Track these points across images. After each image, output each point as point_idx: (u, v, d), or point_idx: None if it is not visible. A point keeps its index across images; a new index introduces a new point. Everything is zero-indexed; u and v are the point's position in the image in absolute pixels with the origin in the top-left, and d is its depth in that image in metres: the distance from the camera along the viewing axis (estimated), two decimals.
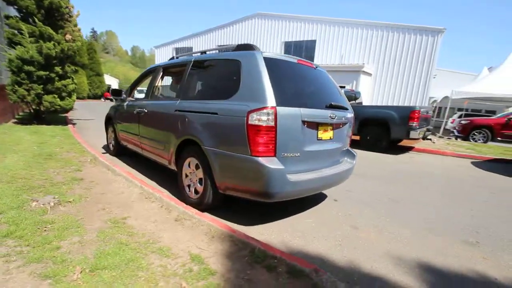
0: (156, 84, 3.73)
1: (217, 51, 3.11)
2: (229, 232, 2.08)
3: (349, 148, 3.18)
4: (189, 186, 2.86)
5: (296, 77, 2.60)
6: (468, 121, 10.41)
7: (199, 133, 2.58)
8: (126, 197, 2.85)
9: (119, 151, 4.79)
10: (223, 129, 2.38)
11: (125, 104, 4.24)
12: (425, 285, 1.82)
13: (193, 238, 2.08)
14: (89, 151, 4.72)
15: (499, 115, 11.48)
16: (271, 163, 2.16)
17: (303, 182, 2.32)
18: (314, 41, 17.43)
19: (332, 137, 2.74)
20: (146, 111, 3.54)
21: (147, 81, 4.35)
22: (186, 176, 2.89)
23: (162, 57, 24.60)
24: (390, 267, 2.00)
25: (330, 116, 2.62)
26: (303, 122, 2.37)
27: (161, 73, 3.71)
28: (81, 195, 2.81)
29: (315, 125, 2.52)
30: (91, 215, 2.39)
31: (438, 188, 4.21)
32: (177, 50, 23.86)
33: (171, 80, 4.26)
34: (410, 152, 7.52)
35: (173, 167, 3.14)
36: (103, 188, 3.08)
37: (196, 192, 2.76)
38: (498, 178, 5.02)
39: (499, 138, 9.82)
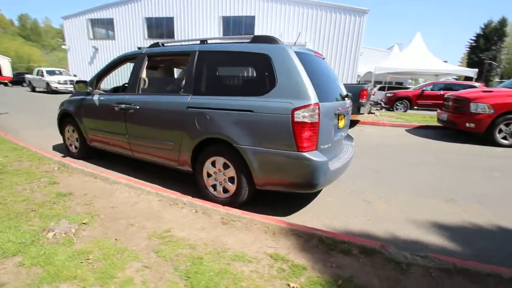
0: (142, 76, 3.29)
1: (221, 41, 2.92)
2: (288, 226, 2.18)
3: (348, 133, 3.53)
4: (214, 186, 2.77)
5: (317, 70, 2.70)
6: (392, 94, 12.30)
7: (229, 132, 2.48)
8: (146, 207, 2.59)
9: (87, 153, 4.13)
10: (262, 127, 2.36)
11: (95, 98, 3.62)
12: (445, 240, 2.33)
13: (256, 238, 2.11)
14: (47, 156, 3.93)
15: (414, 87, 13.89)
16: (316, 156, 2.29)
17: (336, 169, 2.54)
18: (253, 17, 17.21)
19: (344, 125, 3.00)
20: (137, 107, 3.12)
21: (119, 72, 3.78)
22: (209, 176, 2.77)
23: (75, 30, 20.65)
24: (416, 231, 2.45)
25: (347, 106, 2.86)
26: (334, 114, 2.54)
27: (146, 62, 3.27)
28: (90, 214, 2.43)
29: (337, 116, 2.71)
30: (125, 235, 2.13)
31: (397, 156, 5.04)
32: (93, 22, 20.35)
33: (162, 71, 3.75)
34: (357, 125, 8.58)
35: (186, 168, 2.95)
36: (107, 201, 2.71)
37: (225, 191, 2.70)
38: (434, 143, 6.28)
39: (415, 107, 12.01)
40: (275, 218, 2.39)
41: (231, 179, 2.64)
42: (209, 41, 2.96)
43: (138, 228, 2.23)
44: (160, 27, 19.08)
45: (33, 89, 18.30)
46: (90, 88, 3.71)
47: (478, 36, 44.85)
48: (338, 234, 2.16)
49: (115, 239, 2.08)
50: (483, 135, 6.19)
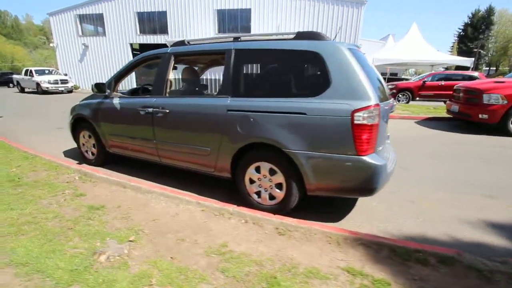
0: (169, 77, 3.07)
1: (259, 38, 2.72)
2: (353, 236, 2.06)
3: None
4: (258, 192, 2.62)
5: (365, 66, 2.56)
6: (394, 86, 12.28)
7: (278, 136, 2.33)
8: (189, 219, 2.42)
9: (106, 160, 3.90)
10: (316, 130, 2.21)
11: (116, 102, 3.39)
12: (507, 241, 2.26)
13: (322, 250, 1.98)
14: (63, 164, 3.69)
15: (415, 78, 13.92)
16: (376, 160, 2.16)
17: (390, 172, 2.43)
18: (249, 10, 16.82)
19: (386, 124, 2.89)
20: (167, 111, 2.91)
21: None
22: (252, 182, 2.62)
23: (62, 27, 19.81)
24: (474, 232, 2.38)
25: (392, 105, 2.73)
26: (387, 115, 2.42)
27: (172, 62, 3.06)
28: (133, 229, 2.26)
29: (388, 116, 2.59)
30: (179, 252, 1.97)
31: (418, 150, 4.98)
32: (82, 18, 19.55)
33: (189, 71, 3.50)
34: None
35: (223, 174, 2.79)
36: (145, 213, 2.53)
37: (271, 198, 2.56)
38: (449, 135, 6.26)
39: (417, 98, 12.05)
40: (335, 227, 2.27)
41: (278, 185, 2.50)
42: (242, 38, 2.78)
43: (190, 244, 2.08)
44: (152, 21, 18.48)
45: (22, 90, 17.56)
46: (108, 91, 3.47)
47: (466, 25, 45.48)
48: (407, 242, 2.05)
49: (171, 257, 1.92)
50: (496, 126, 6.21)
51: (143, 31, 18.71)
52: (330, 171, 2.25)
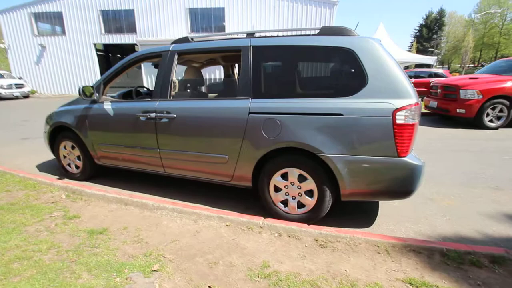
0: (173, 78, 2.74)
1: (277, 33, 2.52)
2: (400, 243, 1.94)
3: None
4: (284, 201, 2.42)
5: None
6: None
7: (310, 139, 2.14)
8: (215, 236, 2.15)
9: (93, 173, 3.44)
10: (354, 132, 2.06)
11: (107, 107, 2.97)
12: None
13: (374, 261, 1.83)
14: (42, 181, 3.18)
15: None
16: (416, 160, 2.07)
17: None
18: (222, 9, 16.47)
19: None
20: (174, 116, 2.59)
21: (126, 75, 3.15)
22: (277, 190, 2.41)
23: (14, 26, 17.80)
24: (502, 227, 2.40)
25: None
26: None
27: (176, 61, 2.73)
28: (152, 255, 1.93)
29: None
30: (217, 279, 1.70)
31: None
32: (38, 17, 17.74)
33: (194, 71, 3.13)
34: None
35: (242, 183, 2.54)
36: (160, 234, 2.20)
37: (300, 206, 2.37)
38: (431, 130, 6.54)
39: None
40: (379, 234, 2.14)
41: (308, 193, 2.31)
42: (256, 35, 2.55)
43: (226, 267, 1.81)
44: (118, 20, 17.33)
45: None
46: (97, 95, 3.03)
47: (421, 26, 49.21)
48: (458, 244, 1.98)
49: (209, 287, 1.65)
50: (472, 120, 6.62)
51: (108, 30, 17.47)
52: (368, 175, 2.11)
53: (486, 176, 3.52)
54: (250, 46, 2.42)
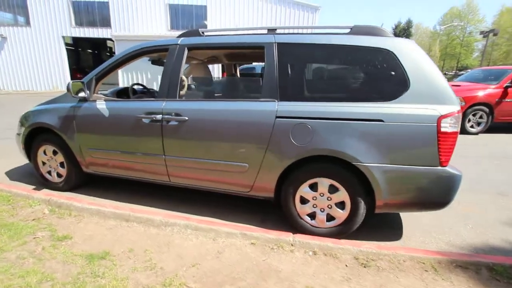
0: (182, 75, 2.42)
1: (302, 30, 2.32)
2: (446, 258, 1.81)
3: None
4: (311, 214, 2.21)
5: None
6: None
7: (347, 147, 1.96)
8: (242, 258, 1.88)
9: (80, 181, 2.99)
10: (395, 139, 1.91)
11: (101, 107, 2.57)
12: None
13: (425, 282, 1.67)
14: (18, 193, 2.69)
15: None
16: (455, 170, 1.96)
17: None
18: (204, 7, 16.01)
19: None
20: (185, 119, 2.28)
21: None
22: (304, 202, 2.20)
23: None
24: None
25: None
26: None
27: (185, 56, 2.42)
28: (172, 284, 1.62)
29: None
30: None
31: None
32: None
33: (203, 68, 2.78)
34: None
35: (263, 194, 2.30)
36: (176, 257, 1.89)
37: (330, 219, 2.17)
38: None
39: None
40: (422, 249, 1.99)
41: (339, 204, 2.12)
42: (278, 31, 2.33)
43: None
44: (91, 13, 16.19)
45: None
46: (88, 92, 2.62)
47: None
48: (500, 257, 1.89)
49: None
50: None
51: (79, 23, 16.25)
52: (407, 185, 1.97)
53: (487, 182, 3.57)
54: (275, 43, 2.18)
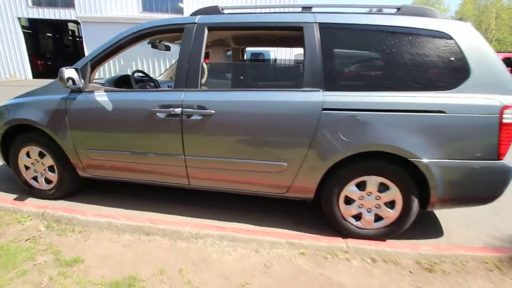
0: (202, 61, 2.06)
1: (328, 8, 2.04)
2: (505, 255, 1.73)
3: None
4: (357, 215, 2.02)
5: None
6: None
7: (403, 142, 1.77)
8: (295, 271, 1.65)
9: (74, 188, 2.55)
10: (455, 132, 1.75)
11: (103, 98, 2.15)
12: None
13: (494, 284, 1.57)
14: (2, 206, 2.21)
15: None
16: (510, 163, 1.86)
17: None
18: None
19: None
20: (212, 112, 1.94)
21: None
22: (348, 202, 2.00)
23: None
24: None
25: None
26: None
27: (205, 38, 2.05)
28: None
29: None
30: None
31: None
32: None
33: (222, 52, 2.36)
34: None
35: (301, 195, 2.07)
36: (218, 276, 1.61)
37: (377, 219, 2.00)
38: None
39: None
40: (479, 247, 1.89)
41: (389, 204, 1.96)
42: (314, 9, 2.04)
43: None
44: None
45: None
46: (82, 81, 2.16)
47: None
48: None
49: None
50: None
51: (37, 2, 14.42)
52: (463, 180, 1.83)
53: None
54: (316, 23, 1.90)
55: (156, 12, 15.20)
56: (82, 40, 14.55)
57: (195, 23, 2.06)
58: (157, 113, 2.04)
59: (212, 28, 2.06)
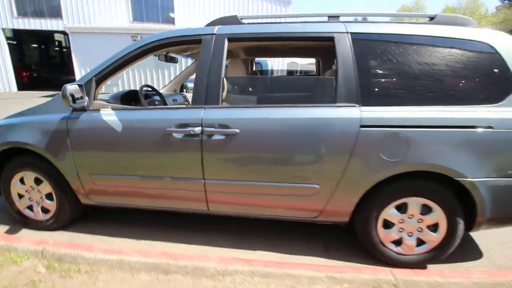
0: (223, 75, 1.87)
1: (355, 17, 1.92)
2: None
3: None
4: (397, 240, 1.85)
5: None
6: None
7: (451, 160, 1.62)
8: None
9: (74, 216, 2.28)
10: (503, 148, 1.62)
11: (111, 118, 1.92)
12: None
13: None
14: None
15: None
16: None
17: None
18: None
19: None
20: (236, 131, 1.74)
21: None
22: (387, 226, 1.83)
23: None
24: None
25: None
26: None
27: (225, 50, 1.87)
28: None
29: None
30: None
31: None
32: None
33: (241, 64, 2.17)
34: None
35: (334, 219, 1.90)
36: None
37: (419, 244, 1.84)
38: None
39: None
40: None
41: (432, 227, 1.80)
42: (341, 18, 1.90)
43: None
44: (37, 2, 14.04)
45: None
46: (87, 99, 1.94)
47: None
48: None
49: None
50: None
51: (22, 13, 13.98)
52: (510, 198, 1.70)
53: None
54: (348, 33, 1.75)
55: (147, 22, 15.02)
56: (69, 51, 14.17)
57: (214, 34, 1.89)
58: (173, 133, 1.83)
59: (233, 39, 1.89)
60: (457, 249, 1.97)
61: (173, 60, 2.88)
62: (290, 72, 15.82)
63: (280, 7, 15.66)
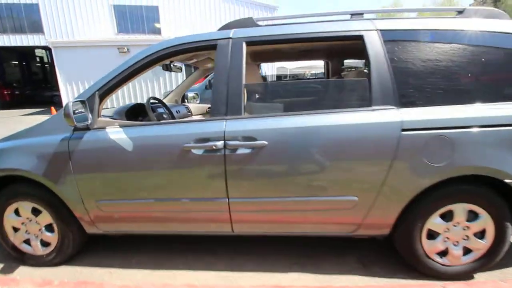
0: (244, 82, 1.70)
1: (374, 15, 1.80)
2: None
3: None
4: (442, 251, 1.70)
5: None
6: None
7: (502, 162, 1.50)
8: None
9: (78, 248, 2.03)
10: None
11: (119, 136, 1.71)
12: None
13: None
14: None
15: None
16: None
17: None
18: (156, 8, 14.62)
19: None
20: (264, 144, 1.57)
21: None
22: (431, 237, 1.69)
23: None
24: None
25: None
26: None
27: (244, 55, 1.71)
28: None
29: None
30: None
31: None
32: None
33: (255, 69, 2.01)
34: None
35: (373, 232, 1.74)
36: None
37: (465, 253, 1.69)
38: None
39: None
40: None
41: (479, 234, 1.66)
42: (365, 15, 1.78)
43: None
44: (17, 17, 13.61)
45: None
46: (90, 117, 1.72)
47: None
48: None
49: None
50: None
51: (1, 29, 13.48)
52: None
53: None
54: (377, 30, 1.63)
55: (133, 33, 14.76)
56: (51, 66, 13.71)
57: (230, 38, 1.72)
58: (192, 150, 1.63)
59: (251, 42, 1.73)
60: (506, 255, 1.85)
61: (178, 69, 2.69)
62: (279, 77, 15.87)
63: (266, 13, 15.74)
